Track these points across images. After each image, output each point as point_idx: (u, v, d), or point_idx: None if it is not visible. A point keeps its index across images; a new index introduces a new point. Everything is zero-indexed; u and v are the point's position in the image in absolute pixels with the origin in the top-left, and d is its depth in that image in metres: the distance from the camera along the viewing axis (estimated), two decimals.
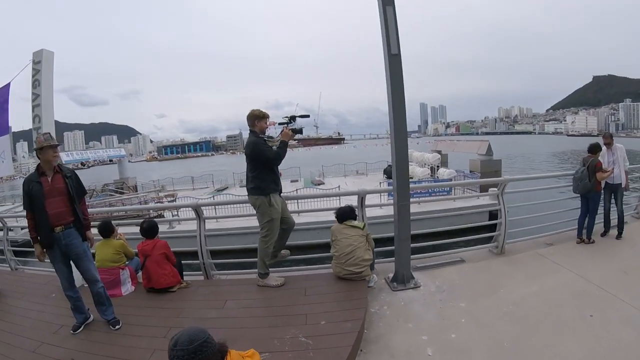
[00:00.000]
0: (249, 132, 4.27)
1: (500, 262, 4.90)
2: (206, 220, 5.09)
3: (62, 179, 3.54)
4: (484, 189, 14.87)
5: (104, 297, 3.66)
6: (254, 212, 4.31)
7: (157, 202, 20.97)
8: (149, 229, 4.59)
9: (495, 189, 5.52)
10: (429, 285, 4.26)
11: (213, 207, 13.49)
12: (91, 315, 3.74)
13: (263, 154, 4.13)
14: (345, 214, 4.35)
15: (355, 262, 4.05)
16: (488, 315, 3.52)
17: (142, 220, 5.01)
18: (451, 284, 4.27)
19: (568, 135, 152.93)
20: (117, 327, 3.56)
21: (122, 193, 27.73)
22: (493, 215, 13.77)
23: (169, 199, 22.11)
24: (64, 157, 26.44)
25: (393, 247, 4.44)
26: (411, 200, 4.34)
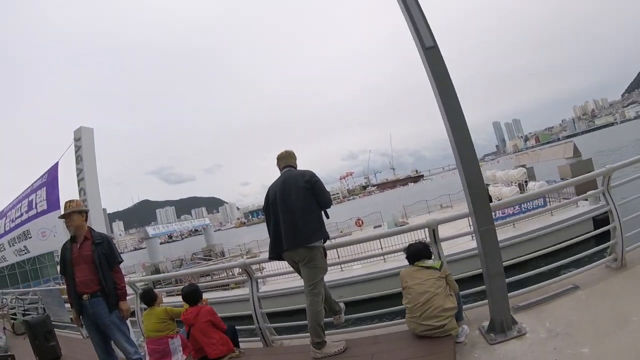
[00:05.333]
0: (288, 168, 3.76)
1: (623, 279, 3.67)
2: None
3: (90, 246, 3.41)
4: (580, 192, 12.91)
5: None
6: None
7: None
8: (189, 295, 4.11)
9: (593, 190, 4.34)
10: (537, 330, 3.15)
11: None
12: None
13: (327, 191, 3.60)
14: (418, 252, 3.46)
15: (433, 313, 3.11)
16: (621, 358, 2.45)
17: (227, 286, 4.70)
18: (566, 322, 3.13)
19: None
20: None
21: (209, 259, 28.68)
22: (597, 222, 12.11)
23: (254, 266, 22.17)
24: (150, 230, 28.31)
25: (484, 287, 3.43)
26: (501, 221, 3.35)
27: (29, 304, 8.12)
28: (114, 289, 3.43)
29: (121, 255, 3.76)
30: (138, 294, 5.11)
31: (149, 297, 4.30)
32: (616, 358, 2.49)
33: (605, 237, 4.12)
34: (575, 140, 20.07)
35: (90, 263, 3.36)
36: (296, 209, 3.44)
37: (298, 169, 3.80)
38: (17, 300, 8.30)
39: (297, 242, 3.44)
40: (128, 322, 3.68)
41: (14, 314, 7.93)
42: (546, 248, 4.18)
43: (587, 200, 14.48)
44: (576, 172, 17.56)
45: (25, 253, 5.86)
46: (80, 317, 3.46)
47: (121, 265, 3.74)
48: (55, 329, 5.54)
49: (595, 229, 4.47)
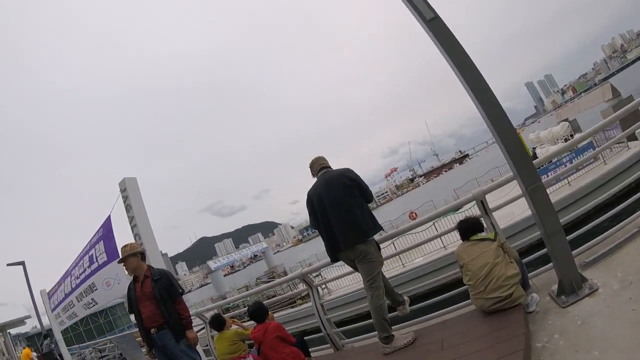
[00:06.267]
0: (324, 169, 3.75)
1: None
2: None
3: (150, 283, 3.63)
4: (631, 135, 12.12)
5: None
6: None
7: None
8: (254, 312, 4.21)
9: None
10: (609, 283, 2.95)
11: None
12: None
13: (367, 186, 3.62)
14: (470, 227, 3.38)
15: (497, 284, 3.01)
16: None
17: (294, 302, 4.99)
18: (638, 268, 2.93)
19: None
20: None
21: (273, 280, 29.17)
22: None
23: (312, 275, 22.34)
24: (212, 264, 29.55)
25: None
26: (552, 176, 3.18)
27: (107, 353, 8.52)
28: (178, 319, 3.59)
29: (189, 294, 3.91)
30: (207, 323, 5.28)
31: (217, 322, 4.47)
32: None
33: None
34: (612, 80, 18.68)
35: (152, 299, 3.56)
36: (347, 207, 3.43)
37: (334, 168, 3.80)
38: (95, 351, 8.74)
39: (356, 240, 3.42)
40: (200, 351, 3.82)
41: None
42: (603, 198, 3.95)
43: (637, 140, 13.60)
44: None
45: (94, 305, 6.18)
46: (152, 350, 3.67)
47: (190, 302, 3.92)
48: None
49: None
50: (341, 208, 3.44)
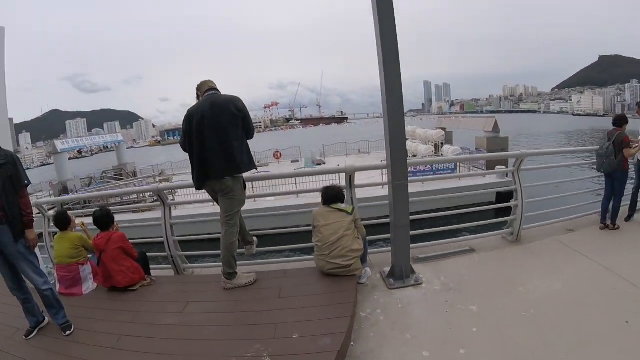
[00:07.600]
0: (213, 91, 3.44)
1: (516, 251, 4.17)
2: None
3: None
4: (491, 166, 14.16)
5: (52, 300, 3.16)
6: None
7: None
8: (100, 219, 3.92)
9: (504, 167, 4.83)
10: (432, 282, 3.54)
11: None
12: (45, 318, 3.28)
13: (252, 121, 3.52)
14: (333, 195, 3.60)
15: (341, 253, 3.33)
16: (505, 321, 2.82)
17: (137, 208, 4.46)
18: (460, 279, 3.55)
19: (574, 115, 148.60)
20: (67, 332, 3.11)
21: (120, 179, 27.26)
22: (500, 195, 13.44)
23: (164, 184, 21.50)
24: (59, 145, 26.14)
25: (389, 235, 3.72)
26: (412, 178, 3.57)
27: None
28: (19, 215, 3.05)
29: (27, 172, 3.28)
30: (46, 217, 4.76)
31: (62, 221, 4.01)
32: (500, 319, 2.85)
33: (505, 211, 4.64)
34: (498, 117, 21.36)
35: None
36: (227, 136, 3.26)
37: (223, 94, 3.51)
38: None
39: (227, 172, 3.32)
40: (37, 251, 3.36)
41: None
42: (450, 209, 4.61)
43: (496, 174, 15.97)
44: (491, 146, 19.01)
45: None
46: None
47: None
48: None
49: (497, 202, 5.00)
50: (221, 135, 3.24)
